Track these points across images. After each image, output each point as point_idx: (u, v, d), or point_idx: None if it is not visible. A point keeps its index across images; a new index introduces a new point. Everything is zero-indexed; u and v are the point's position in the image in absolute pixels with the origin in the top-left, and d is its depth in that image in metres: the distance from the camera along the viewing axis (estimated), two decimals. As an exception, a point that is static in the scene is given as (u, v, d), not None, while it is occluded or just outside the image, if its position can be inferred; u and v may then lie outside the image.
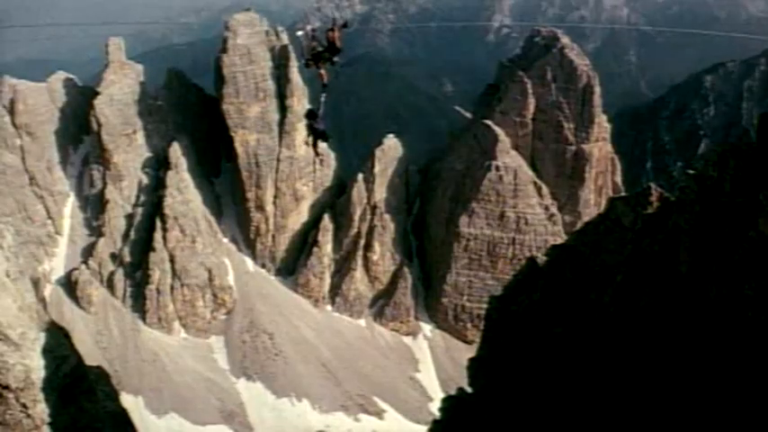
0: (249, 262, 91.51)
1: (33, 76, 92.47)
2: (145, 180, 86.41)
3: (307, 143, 21.62)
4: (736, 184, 16.38)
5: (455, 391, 37.92)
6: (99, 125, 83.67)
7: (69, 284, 79.51)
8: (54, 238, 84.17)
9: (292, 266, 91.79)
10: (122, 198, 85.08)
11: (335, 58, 18.21)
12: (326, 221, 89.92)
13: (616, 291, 24.92)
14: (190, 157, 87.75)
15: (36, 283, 71.64)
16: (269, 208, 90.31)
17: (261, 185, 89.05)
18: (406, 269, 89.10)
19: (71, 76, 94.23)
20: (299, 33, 18.45)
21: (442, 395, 59.01)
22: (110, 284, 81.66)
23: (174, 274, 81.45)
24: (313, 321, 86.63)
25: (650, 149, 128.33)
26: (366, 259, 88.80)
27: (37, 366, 19.62)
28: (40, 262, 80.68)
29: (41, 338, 20.46)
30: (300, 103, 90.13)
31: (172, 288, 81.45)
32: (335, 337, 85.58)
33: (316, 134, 19.16)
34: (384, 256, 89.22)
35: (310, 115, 19.19)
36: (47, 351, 20.24)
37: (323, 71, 18.37)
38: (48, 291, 79.06)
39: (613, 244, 29.60)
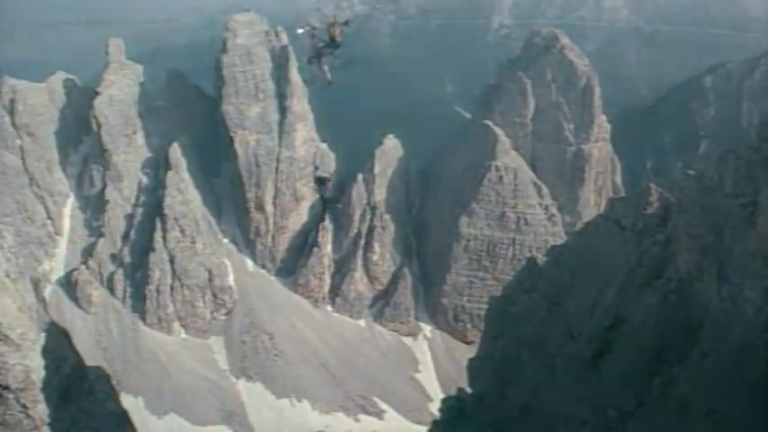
0: (249, 262, 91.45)
1: (33, 76, 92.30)
2: (145, 180, 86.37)
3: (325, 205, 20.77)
4: (736, 184, 16.37)
5: (455, 391, 37.96)
6: (99, 125, 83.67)
7: (69, 285, 79.52)
8: (54, 238, 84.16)
9: (292, 267, 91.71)
10: (122, 198, 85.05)
11: (335, 52, 18.41)
12: (326, 222, 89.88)
13: (616, 291, 24.91)
14: (190, 157, 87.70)
15: (36, 284, 71.63)
16: (269, 208, 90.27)
17: (261, 185, 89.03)
18: (406, 269, 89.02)
19: (71, 76, 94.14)
20: (300, 31, 18.52)
21: (442, 395, 59.08)
22: (110, 285, 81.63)
23: (174, 274, 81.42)
24: (313, 321, 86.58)
25: (650, 149, 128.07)
26: (366, 259, 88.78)
27: (37, 366, 19.63)
28: (40, 262, 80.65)
29: (41, 339, 20.47)
30: (300, 103, 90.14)
31: (172, 288, 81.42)
32: (335, 338, 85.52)
33: (326, 203, 19.05)
34: (384, 256, 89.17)
35: (320, 181, 18.82)
36: (47, 351, 20.24)
37: (326, 67, 18.53)
38: (48, 291, 79.09)
39: (613, 244, 29.59)
